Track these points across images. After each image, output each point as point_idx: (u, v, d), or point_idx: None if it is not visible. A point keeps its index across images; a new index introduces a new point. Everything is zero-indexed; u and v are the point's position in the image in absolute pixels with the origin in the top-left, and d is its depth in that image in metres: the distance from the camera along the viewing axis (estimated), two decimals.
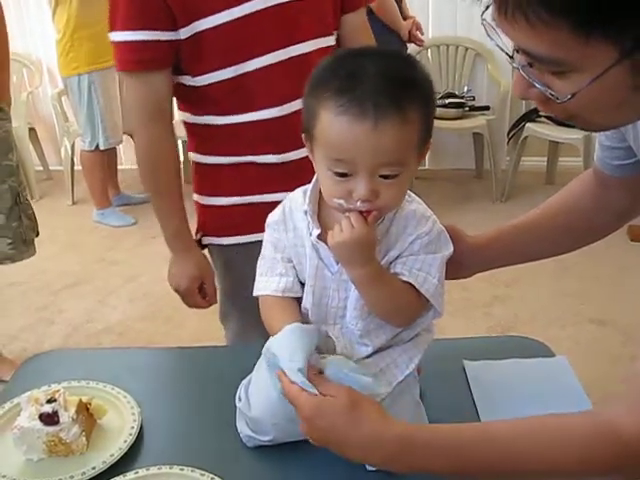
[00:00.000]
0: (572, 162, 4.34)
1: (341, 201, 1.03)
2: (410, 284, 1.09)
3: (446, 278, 1.14)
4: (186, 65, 1.59)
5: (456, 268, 1.17)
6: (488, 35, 0.84)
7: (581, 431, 0.89)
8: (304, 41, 1.59)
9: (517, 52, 0.83)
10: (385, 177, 1.01)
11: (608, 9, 0.71)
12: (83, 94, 4.24)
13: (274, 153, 1.64)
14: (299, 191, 1.17)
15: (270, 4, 1.53)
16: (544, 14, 0.74)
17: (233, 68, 1.56)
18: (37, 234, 2.81)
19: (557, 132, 4.29)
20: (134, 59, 1.57)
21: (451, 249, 1.14)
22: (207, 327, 3.27)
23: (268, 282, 1.16)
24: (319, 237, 1.11)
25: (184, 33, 1.53)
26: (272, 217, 1.19)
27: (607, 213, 1.26)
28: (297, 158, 1.60)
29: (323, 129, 1.01)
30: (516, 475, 0.95)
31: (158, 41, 1.53)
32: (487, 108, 4.76)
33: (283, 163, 1.65)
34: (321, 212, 1.12)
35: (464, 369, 1.38)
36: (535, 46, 0.78)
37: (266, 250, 1.19)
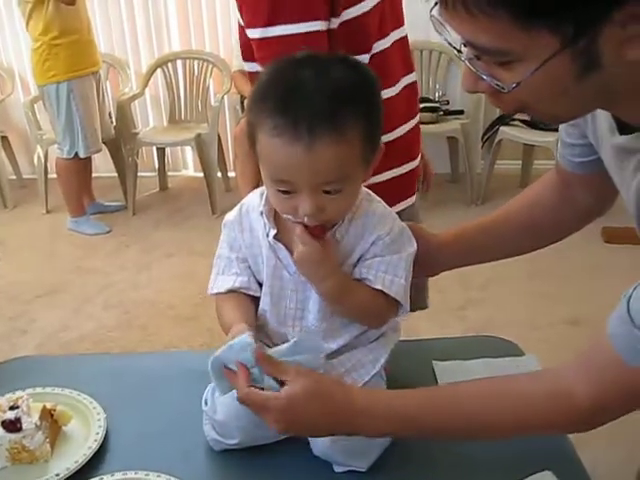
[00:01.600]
0: (546, 165, 4.37)
1: (289, 216, 1.04)
2: (378, 289, 1.09)
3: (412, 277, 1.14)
4: None
5: (421, 266, 1.17)
6: (436, 30, 0.85)
7: (541, 401, 0.96)
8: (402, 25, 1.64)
9: (464, 46, 0.84)
10: (328, 192, 1.01)
11: (543, 0, 0.72)
12: (62, 102, 4.21)
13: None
14: (256, 192, 1.17)
15: None
16: (484, 6, 0.74)
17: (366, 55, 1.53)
18: None
19: (531, 135, 4.31)
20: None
21: (414, 247, 1.14)
22: (182, 334, 3.27)
23: (224, 281, 1.16)
24: (276, 237, 1.11)
25: (335, 22, 1.47)
26: (228, 217, 1.19)
27: (571, 211, 1.26)
28: (404, 133, 1.61)
29: (261, 149, 1.01)
30: (467, 435, 1.05)
31: (319, 32, 1.44)
32: (461, 112, 4.78)
33: (401, 137, 1.62)
34: (277, 213, 1.12)
35: (433, 369, 1.38)
36: (479, 38, 0.78)
37: (222, 249, 1.19)
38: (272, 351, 1.04)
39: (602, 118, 0.96)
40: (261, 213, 1.13)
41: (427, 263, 1.21)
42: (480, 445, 1.13)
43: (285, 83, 1.00)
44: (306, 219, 1.03)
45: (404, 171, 1.65)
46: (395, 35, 1.61)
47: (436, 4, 0.80)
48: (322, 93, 0.97)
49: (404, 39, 1.65)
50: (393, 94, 1.60)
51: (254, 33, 1.45)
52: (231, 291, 1.15)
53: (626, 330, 0.85)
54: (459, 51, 0.85)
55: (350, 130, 0.98)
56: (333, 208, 1.03)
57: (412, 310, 1.91)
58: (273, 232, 1.11)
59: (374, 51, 1.56)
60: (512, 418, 0.98)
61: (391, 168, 1.60)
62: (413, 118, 1.68)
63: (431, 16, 0.84)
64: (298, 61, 1.04)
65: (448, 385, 1.08)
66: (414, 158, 1.71)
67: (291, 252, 1.11)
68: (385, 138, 1.47)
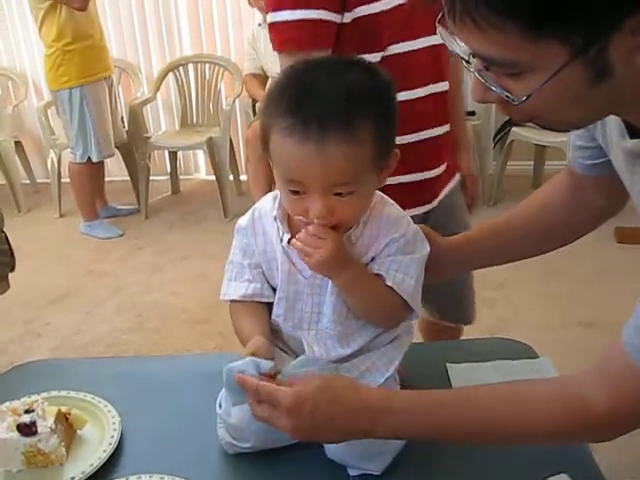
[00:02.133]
0: (558, 165, 4.34)
1: (300, 217, 1.04)
2: (389, 285, 1.09)
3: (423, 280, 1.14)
4: (338, 48, 1.58)
5: (432, 270, 1.17)
6: (444, 40, 0.84)
7: (557, 406, 0.93)
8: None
9: (473, 57, 0.83)
10: (339, 194, 1.01)
11: (555, 10, 0.71)
12: (75, 107, 4.23)
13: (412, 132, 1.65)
14: (269, 196, 1.17)
15: None
16: (492, 18, 0.74)
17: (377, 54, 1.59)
18: (12, 269, 2.71)
19: (543, 135, 4.30)
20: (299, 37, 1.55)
21: (428, 249, 1.14)
22: (195, 337, 3.28)
23: (237, 287, 1.16)
24: (290, 241, 1.11)
25: (347, 17, 1.55)
26: (241, 222, 1.18)
27: (583, 213, 1.26)
28: (432, 136, 1.66)
29: (274, 150, 1.02)
30: (489, 441, 1.03)
31: (327, 21, 1.53)
32: (473, 113, 4.75)
33: (421, 141, 1.66)
34: (291, 217, 1.11)
35: (447, 372, 1.37)
36: (487, 49, 0.78)
37: (234, 255, 1.19)
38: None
39: (612, 123, 0.96)
40: (275, 217, 1.13)
41: (437, 267, 1.21)
42: (495, 448, 1.13)
43: (298, 84, 1.01)
44: (316, 221, 1.03)
45: (413, 179, 1.67)
46: (427, 41, 1.63)
47: (443, 16, 0.80)
48: (334, 93, 0.97)
49: (438, 47, 1.63)
50: (412, 97, 1.61)
51: (267, 18, 1.56)
52: (244, 298, 1.15)
53: None
54: (467, 62, 0.84)
55: (361, 130, 0.98)
56: (344, 211, 1.03)
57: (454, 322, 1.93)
58: (287, 236, 1.11)
59: (393, 52, 1.59)
60: (525, 425, 0.96)
61: (402, 174, 1.60)
62: (437, 126, 1.69)
63: (438, 28, 0.83)
64: (313, 64, 1.05)
65: (462, 390, 1.07)
66: (430, 168, 1.71)
67: None
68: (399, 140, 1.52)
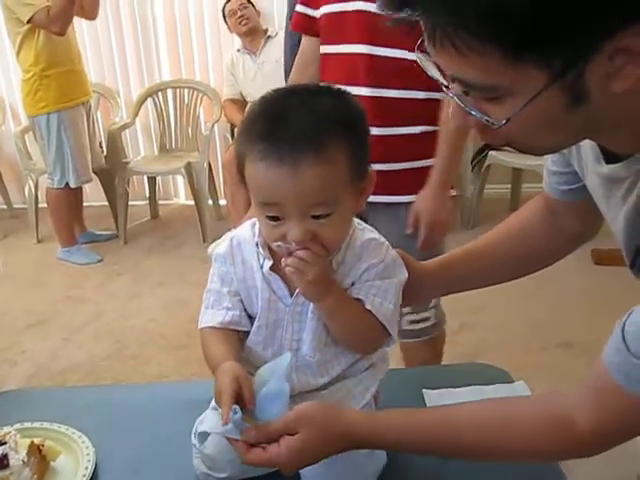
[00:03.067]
0: (535, 188, 4.33)
1: (279, 243, 1.04)
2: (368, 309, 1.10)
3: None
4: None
5: (409, 294, 1.17)
6: (422, 66, 0.85)
7: (542, 426, 0.95)
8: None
9: (452, 81, 0.84)
10: (317, 217, 1.01)
11: (534, 35, 0.73)
12: (52, 133, 4.21)
13: None
14: (247, 224, 1.17)
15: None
16: (472, 42, 0.75)
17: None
18: None
19: (520, 159, 4.34)
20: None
21: (405, 274, 1.15)
22: (174, 363, 3.25)
23: (214, 315, 1.15)
24: (271, 268, 1.11)
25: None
26: (219, 250, 1.18)
27: (559, 238, 1.27)
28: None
29: (249, 176, 1.03)
30: (472, 458, 1.06)
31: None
32: None
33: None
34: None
35: (423, 398, 1.37)
36: (467, 73, 0.79)
37: (213, 283, 1.18)
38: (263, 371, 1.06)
39: (587, 148, 0.97)
40: (256, 244, 1.13)
41: (414, 291, 1.21)
42: (472, 474, 1.15)
43: (270, 111, 1.02)
44: (294, 246, 1.02)
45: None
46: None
47: (422, 42, 0.81)
48: (304, 117, 0.99)
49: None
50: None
51: None
52: (222, 325, 1.14)
53: (623, 359, 0.85)
54: (447, 87, 0.85)
55: (334, 150, 0.99)
56: (325, 234, 1.03)
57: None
58: (269, 263, 1.11)
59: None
60: (511, 444, 0.98)
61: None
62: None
63: (417, 54, 0.84)
64: (285, 92, 1.07)
65: (444, 411, 1.07)
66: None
67: (286, 283, 1.11)
68: None
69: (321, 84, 1.10)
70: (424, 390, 1.39)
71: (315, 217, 1.01)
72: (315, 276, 1.03)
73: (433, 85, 0.89)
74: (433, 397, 1.37)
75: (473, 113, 0.83)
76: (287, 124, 0.98)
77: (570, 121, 0.81)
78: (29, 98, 4.20)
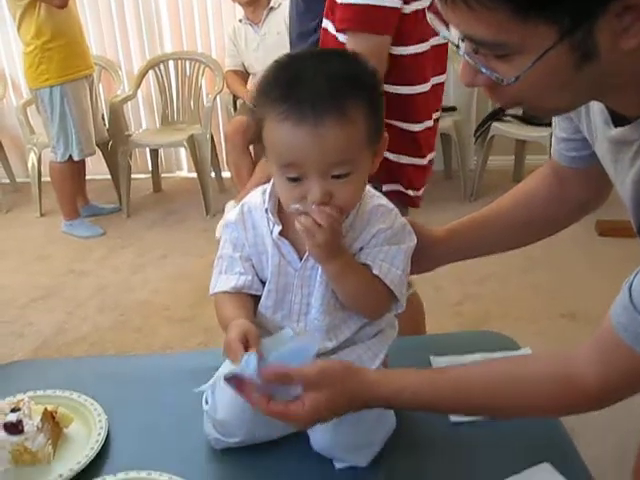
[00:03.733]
0: (539, 159, 4.34)
1: (297, 205, 1.04)
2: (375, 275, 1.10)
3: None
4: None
5: (417, 261, 1.18)
6: (434, 26, 0.86)
7: (551, 383, 0.98)
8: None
9: (462, 41, 0.84)
10: (337, 177, 1.02)
11: None
12: (55, 106, 4.20)
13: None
14: (257, 191, 1.18)
15: None
16: None
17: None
18: None
19: (523, 130, 4.33)
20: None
21: (414, 241, 1.16)
22: (178, 335, 3.27)
23: (227, 280, 1.16)
24: (280, 234, 1.11)
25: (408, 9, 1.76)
26: (230, 217, 1.19)
27: (565, 207, 1.27)
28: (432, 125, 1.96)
29: (269, 137, 1.03)
30: (484, 415, 1.13)
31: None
32: (454, 109, 4.79)
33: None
34: (281, 210, 1.13)
35: (431, 365, 1.38)
36: (477, 31, 0.79)
37: (224, 249, 1.19)
38: (267, 342, 1.06)
39: (596, 112, 0.97)
40: (266, 210, 1.14)
41: (421, 259, 1.22)
42: (479, 438, 1.15)
43: (287, 74, 1.03)
44: (314, 207, 1.03)
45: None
46: (434, 41, 1.84)
47: (433, 3, 0.81)
48: (323, 78, 1.00)
49: (442, 46, 1.88)
50: (424, 90, 1.87)
51: None
52: (234, 290, 1.15)
53: (629, 318, 0.86)
54: (457, 46, 0.86)
55: (353, 111, 1.00)
56: (342, 194, 1.04)
57: None
58: (278, 228, 1.12)
59: (411, 52, 1.81)
60: (521, 402, 1.02)
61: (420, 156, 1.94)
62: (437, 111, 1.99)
63: (428, 14, 0.85)
64: (299, 56, 1.09)
65: (455, 372, 1.09)
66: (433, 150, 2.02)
67: (296, 248, 1.12)
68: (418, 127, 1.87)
69: (335, 48, 1.11)
70: (432, 357, 1.40)
71: (335, 177, 1.02)
72: (324, 240, 1.04)
73: None
74: (440, 364, 1.38)
75: (483, 71, 0.83)
76: (306, 85, 0.99)
77: (579, 79, 0.81)
78: (31, 71, 4.18)
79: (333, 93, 0.99)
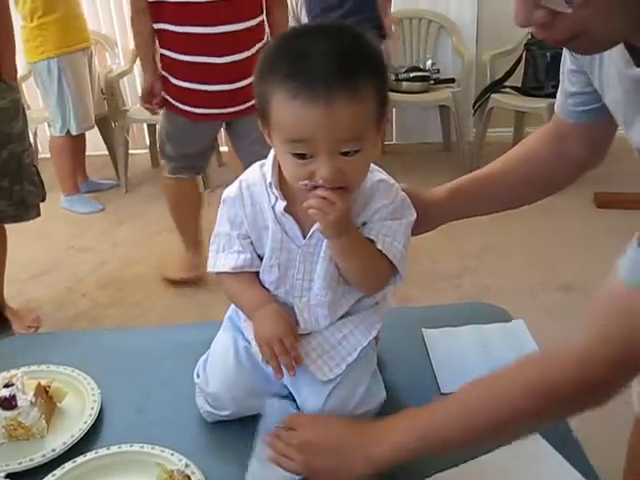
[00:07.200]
0: None
1: (306, 181, 1.02)
2: (378, 249, 1.11)
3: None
4: None
5: (418, 223, 1.18)
6: None
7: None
8: None
9: None
10: (346, 154, 1.00)
11: None
12: (53, 79, 4.18)
13: None
14: (255, 166, 1.17)
15: None
16: None
17: None
18: (43, 199, 3.06)
19: (522, 102, 4.31)
20: None
21: (414, 215, 1.16)
22: (177, 309, 3.28)
23: (227, 259, 1.16)
24: (285, 210, 1.11)
25: None
26: (228, 193, 1.17)
27: (566, 164, 1.28)
28: None
29: (278, 114, 1.00)
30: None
31: None
32: (452, 80, 4.76)
33: None
34: (284, 185, 1.11)
35: (423, 337, 1.39)
36: None
37: (221, 227, 1.18)
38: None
39: (615, 56, 0.95)
40: (270, 185, 1.12)
41: (423, 219, 1.21)
42: None
43: (294, 48, 1.00)
44: (321, 182, 1.01)
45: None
46: None
47: None
48: (333, 54, 0.98)
49: None
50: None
51: None
52: (235, 270, 1.15)
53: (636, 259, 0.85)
54: None
55: (365, 89, 0.99)
56: (351, 171, 1.02)
57: None
58: (283, 204, 1.10)
59: None
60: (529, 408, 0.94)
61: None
62: None
63: None
64: (303, 31, 1.06)
65: (457, 400, 1.02)
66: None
67: (299, 224, 1.12)
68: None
69: (340, 23, 1.09)
70: (424, 329, 1.40)
71: (343, 154, 1.01)
72: (338, 215, 1.03)
73: None
74: (433, 336, 1.39)
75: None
76: (315, 60, 0.97)
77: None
78: (28, 44, 4.15)
79: (344, 70, 0.97)
